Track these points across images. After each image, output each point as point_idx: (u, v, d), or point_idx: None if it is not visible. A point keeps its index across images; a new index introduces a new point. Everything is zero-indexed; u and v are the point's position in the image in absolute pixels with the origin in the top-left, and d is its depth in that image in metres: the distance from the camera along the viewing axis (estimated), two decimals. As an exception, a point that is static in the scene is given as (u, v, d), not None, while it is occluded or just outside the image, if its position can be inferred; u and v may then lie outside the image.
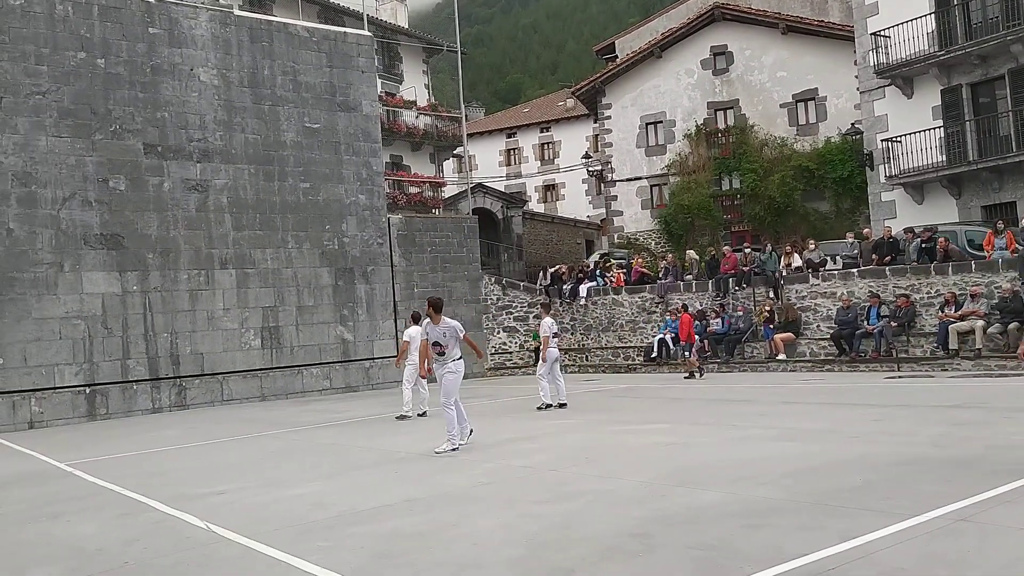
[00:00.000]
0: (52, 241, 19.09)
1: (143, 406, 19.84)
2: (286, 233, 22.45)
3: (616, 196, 33.38)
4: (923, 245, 19.48)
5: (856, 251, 21.16)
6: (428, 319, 10.88)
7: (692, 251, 26.14)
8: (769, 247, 22.85)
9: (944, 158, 22.73)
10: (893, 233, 20.86)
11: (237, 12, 22.63)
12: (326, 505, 7.53)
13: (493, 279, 27.34)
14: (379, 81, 29.08)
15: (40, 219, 18.98)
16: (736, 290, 22.48)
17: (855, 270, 20.47)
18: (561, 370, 15.37)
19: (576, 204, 46.45)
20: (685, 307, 21.59)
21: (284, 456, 11.22)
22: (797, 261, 21.88)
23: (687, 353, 20.35)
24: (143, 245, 20.24)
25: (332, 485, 8.63)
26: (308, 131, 23.06)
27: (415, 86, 35.32)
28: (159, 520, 7.47)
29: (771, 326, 20.93)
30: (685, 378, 19.66)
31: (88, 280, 19.44)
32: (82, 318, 19.27)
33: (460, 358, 10.64)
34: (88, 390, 19.20)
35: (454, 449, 10.21)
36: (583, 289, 26.10)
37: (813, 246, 22.05)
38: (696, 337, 20.47)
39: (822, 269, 21.18)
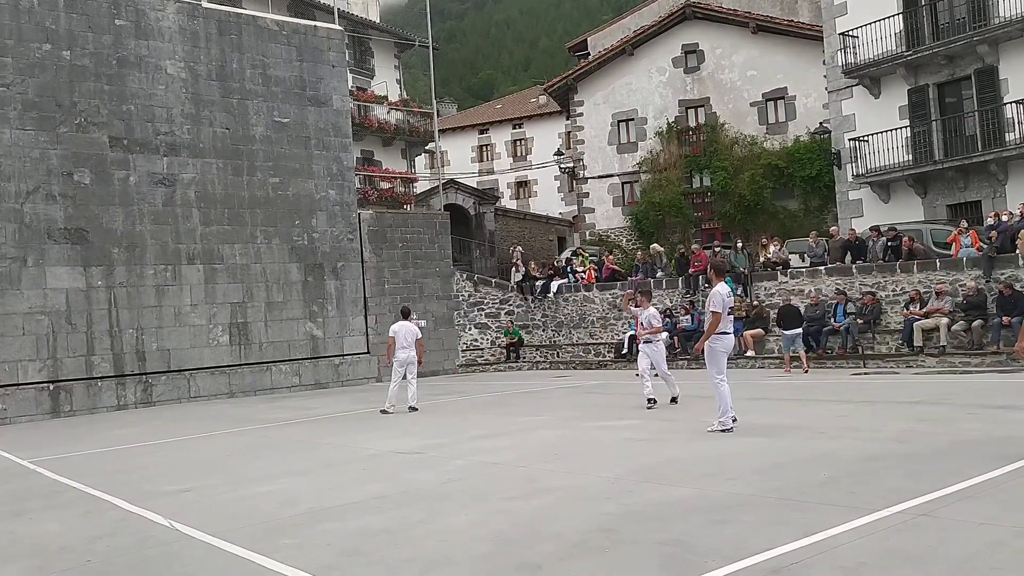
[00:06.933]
0: (15, 235, 18.76)
1: (108, 403, 19.57)
2: (255, 228, 22.24)
3: (588, 193, 33.45)
4: (889, 244, 19.75)
5: (823, 249, 21.38)
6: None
7: (657, 244, 26.16)
8: (739, 244, 23.01)
9: (910, 157, 23.02)
10: (858, 233, 21.08)
11: (205, 4, 22.34)
12: (294, 502, 7.47)
13: (465, 275, 27.29)
14: (350, 76, 28.90)
15: (3, 213, 18.64)
16: (706, 287, 22.59)
17: (823, 267, 20.70)
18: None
19: (548, 201, 46.47)
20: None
21: (252, 453, 11.12)
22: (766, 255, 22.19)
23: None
24: (108, 240, 19.95)
25: (300, 482, 8.57)
26: (278, 125, 22.86)
27: (387, 81, 35.10)
28: (123, 518, 7.38)
29: (741, 321, 21.06)
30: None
31: (52, 275, 19.14)
32: (45, 313, 18.97)
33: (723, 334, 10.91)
34: (52, 387, 18.91)
35: (725, 430, 9.77)
36: (554, 286, 26.13)
37: (777, 247, 22.23)
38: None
39: (791, 267, 21.37)
